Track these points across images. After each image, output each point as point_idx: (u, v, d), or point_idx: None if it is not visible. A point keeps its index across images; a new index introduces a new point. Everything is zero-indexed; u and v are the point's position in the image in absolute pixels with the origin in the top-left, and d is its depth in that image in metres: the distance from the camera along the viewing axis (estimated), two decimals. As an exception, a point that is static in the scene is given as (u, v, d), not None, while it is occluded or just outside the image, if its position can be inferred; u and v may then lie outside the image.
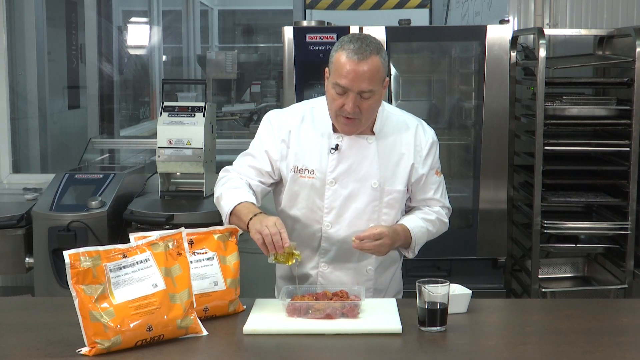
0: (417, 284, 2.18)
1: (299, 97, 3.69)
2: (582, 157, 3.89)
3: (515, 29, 4.22)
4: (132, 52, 6.87)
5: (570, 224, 3.79)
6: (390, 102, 3.69)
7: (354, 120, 2.43)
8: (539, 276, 3.75)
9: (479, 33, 3.76)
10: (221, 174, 2.62)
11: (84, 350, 2.01)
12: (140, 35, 7.22)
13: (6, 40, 4.61)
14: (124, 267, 2.06)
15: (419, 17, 4.62)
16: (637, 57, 3.58)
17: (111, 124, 5.70)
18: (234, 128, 5.99)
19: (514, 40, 3.95)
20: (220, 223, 2.47)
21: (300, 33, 3.75)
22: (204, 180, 4.05)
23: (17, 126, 4.81)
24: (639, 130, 3.63)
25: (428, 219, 2.60)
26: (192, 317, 2.13)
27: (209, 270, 2.29)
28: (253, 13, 9.59)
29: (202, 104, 4.06)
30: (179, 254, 2.15)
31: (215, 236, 2.34)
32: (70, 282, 1.99)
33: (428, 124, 2.65)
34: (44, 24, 5.21)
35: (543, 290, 3.71)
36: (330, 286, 2.47)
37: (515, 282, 4.14)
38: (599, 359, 2.00)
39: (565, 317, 2.33)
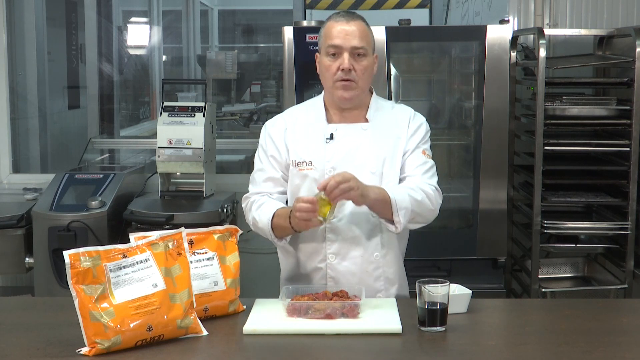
0: (417, 284, 2.18)
1: (299, 97, 3.68)
2: (582, 157, 3.88)
3: (515, 29, 4.22)
4: (132, 52, 6.87)
5: (570, 224, 3.79)
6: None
7: (351, 82, 2.48)
8: (539, 276, 3.75)
9: (479, 33, 3.76)
10: (243, 203, 2.67)
11: (84, 350, 2.01)
12: (140, 35, 7.22)
13: (6, 40, 4.61)
14: (124, 267, 2.06)
15: (419, 17, 4.61)
16: (637, 57, 3.58)
17: (111, 124, 5.70)
18: (234, 128, 5.98)
19: (514, 40, 3.95)
20: (221, 223, 2.47)
21: (300, 33, 3.75)
22: (204, 181, 4.05)
23: (17, 126, 4.81)
24: (639, 130, 3.63)
25: (408, 187, 2.51)
26: (192, 317, 2.13)
27: (209, 270, 2.29)
28: (253, 13, 9.59)
29: (202, 104, 4.06)
30: (179, 254, 2.15)
31: (215, 236, 2.34)
32: (70, 282, 2.00)
33: (428, 123, 2.66)
34: (44, 24, 5.21)
35: (543, 290, 3.71)
36: (340, 277, 2.50)
37: (515, 282, 4.14)
38: (599, 359, 2.00)
39: (565, 317, 2.33)
